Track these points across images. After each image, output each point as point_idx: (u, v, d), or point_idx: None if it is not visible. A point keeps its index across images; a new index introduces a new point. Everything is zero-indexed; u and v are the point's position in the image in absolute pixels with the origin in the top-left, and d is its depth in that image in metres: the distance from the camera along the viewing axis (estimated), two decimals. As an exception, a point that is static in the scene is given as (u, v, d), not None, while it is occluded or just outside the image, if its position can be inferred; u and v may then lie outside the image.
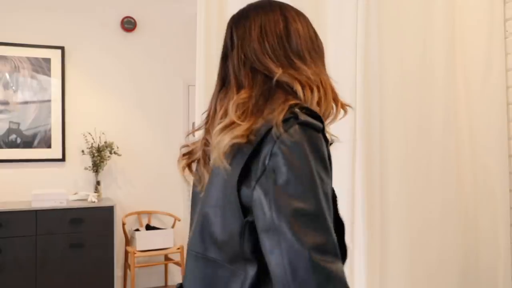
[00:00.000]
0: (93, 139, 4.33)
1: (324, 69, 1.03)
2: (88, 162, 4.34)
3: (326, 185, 0.85)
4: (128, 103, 4.49)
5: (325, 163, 0.86)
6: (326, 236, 0.80)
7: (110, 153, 4.33)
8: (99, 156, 4.28)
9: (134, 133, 4.52)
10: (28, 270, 3.74)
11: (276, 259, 0.80)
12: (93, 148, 4.28)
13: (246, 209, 0.88)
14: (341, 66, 2.00)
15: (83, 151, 4.31)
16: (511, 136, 2.34)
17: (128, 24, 4.51)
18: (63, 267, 3.83)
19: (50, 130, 4.26)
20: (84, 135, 4.32)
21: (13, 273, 3.70)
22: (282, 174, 0.82)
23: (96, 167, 4.29)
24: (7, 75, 4.17)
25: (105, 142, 4.33)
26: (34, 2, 4.25)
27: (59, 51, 4.30)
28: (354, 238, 1.95)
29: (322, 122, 0.89)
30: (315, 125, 0.86)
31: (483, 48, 2.35)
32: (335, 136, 1.03)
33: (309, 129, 0.85)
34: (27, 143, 4.20)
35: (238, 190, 0.88)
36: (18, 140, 4.18)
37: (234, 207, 0.89)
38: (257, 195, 0.85)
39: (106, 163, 4.35)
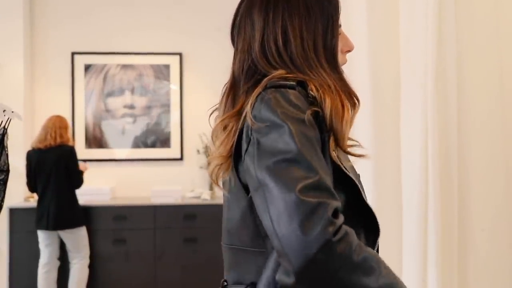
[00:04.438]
0: (207, 139, 4.54)
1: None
2: (204, 161, 4.56)
3: (305, 127, 0.85)
4: (241, 103, 4.62)
5: (299, 108, 0.87)
6: (308, 175, 0.80)
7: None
8: (214, 156, 4.48)
9: (247, 133, 4.63)
10: (148, 260, 4.07)
11: (263, 212, 0.82)
12: (208, 148, 4.49)
13: (247, 187, 0.92)
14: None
15: (198, 150, 4.55)
16: None
17: (241, 27, 4.63)
18: (178, 260, 4.09)
19: (169, 131, 4.58)
20: (200, 135, 4.55)
21: (136, 262, 4.06)
22: (261, 135, 0.86)
23: (211, 166, 4.49)
24: (133, 81, 4.58)
25: (219, 142, 4.51)
26: (154, 12, 4.60)
27: (178, 57, 4.60)
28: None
29: (301, 83, 0.92)
30: (283, 84, 0.90)
31: None
32: (356, 142, 1.02)
33: (277, 89, 0.90)
34: (150, 144, 4.57)
35: (236, 170, 0.94)
36: (142, 141, 4.57)
37: (238, 188, 0.95)
38: (246, 164, 0.89)
39: (220, 162, 4.53)
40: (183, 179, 4.56)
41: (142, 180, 4.53)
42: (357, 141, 1.02)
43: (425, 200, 1.75)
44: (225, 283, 1.03)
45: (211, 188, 4.50)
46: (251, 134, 0.89)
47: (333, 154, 0.91)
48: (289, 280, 0.78)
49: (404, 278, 1.82)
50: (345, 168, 0.94)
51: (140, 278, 4.05)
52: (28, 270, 3.90)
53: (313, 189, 0.79)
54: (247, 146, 0.90)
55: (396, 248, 1.85)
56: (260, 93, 0.91)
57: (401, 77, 1.92)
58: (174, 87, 4.60)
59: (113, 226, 4.06)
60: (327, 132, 0.91)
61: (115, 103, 4.57)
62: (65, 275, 3.84)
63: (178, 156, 4.59)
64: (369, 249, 0.84)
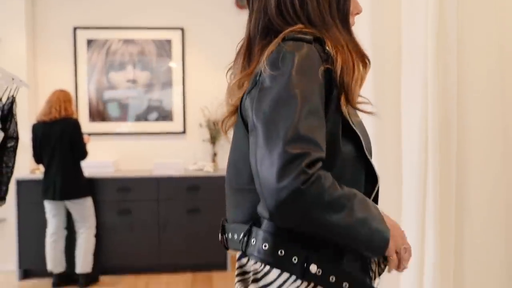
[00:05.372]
0: (209, 113, 4.60)
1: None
2: (206, 134, 4.63)
3: (314, 81, 0.92)
4: (242, 77, 4.67)
5: (313, 62, 0.93)
6: (298, 125, 0.87)
7: (226, 126, 4.57)
8: (215, 129, 4.55)
9: (248, 107, 4.69)
10: (152, 231, 4.17)
11: (252, 153, 0.92)
12: (210, 121, 4.56)
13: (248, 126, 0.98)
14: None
15: (200, 124, 4.62)
16: None
17: (242, 1, 4.66)
18: (181, 230, 4.19)
19: (172, 105, 4.64)
20: (202, 109, 4.61)
21: (140, 232, 4.16)
22: (264, 81, 0.93)
23: (213, 139, 4.57)
24: (135, 56, 4.62)
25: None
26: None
27: (179, 32, 4.63)
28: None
29: (318, 40, 0.97)
30: (301, 38, 0.95)
31: None
32: (366, 100, 1.09)
33: (294, 42, 0.94)
34: (152, 118, 4.64)
35: (241, 112, 1.02)
36: (145, 115, 4.64)
37: (240, 127, 1.03)
38: (246, 104, 0.98)
39: (222, 136, 4.60)
40: (186, 153, 4.64)
41: (145, 153, 4.62)
42: (367, 99, 1.09)
43: (424, 166, 1.81)
44: (225, 222, 1.12)
45: (213, 161, 4.59)
46: (258, 78, 0.96)
47: (343, 109, 0.99)
48: (266, 215, 0.90)
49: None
50: (353, 123, 1.01)
51: (145, 248, 4.17)
52: (36, 239, 4.01)
53: (299, 140, 0.86)
54: (251, 88, 0.97)
55: (396, 211, 1.92)
56: (278, 43, 0.96)
57: (402, 43, 1.95)
58: (174, 65, 4.64)
59: (118, 198, 4.15)
60: (337, 88, 0.97)
61: (117, 77, 4.62)
62: (73, 244, 3.96)
63: (181, 129, 4.66)
64: (346, 189, 0.92)
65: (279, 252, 0.96)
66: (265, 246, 0.97)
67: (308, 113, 0.89)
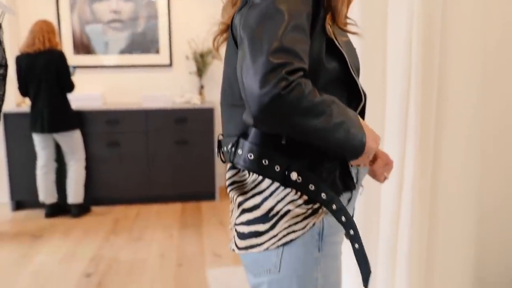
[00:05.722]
0: (196, 45, 4.56)
1: None
2: (193, 67, 4.61)
3: (299, 2, 0.94)
4: (228, 8, 4.59)
5: None
6: (283, 38, 0.90)
7: (213, 58, 4.55)
8: (202, 61, 4.53)
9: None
10: (142, 162, 4.24)
11: (238, 65, 0.94)
12: (197, 54, 4.53)
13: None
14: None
15: (187, 56, 4.58)
16: None
17: None
18: (170, 161, 4.27)
19: (158, 37, 4.58)
20: (188, 41, 4.56)
21: (130, 163, 4.23)
22: (255, 0, 0.95)
23: (200, 71, 4.56)
24: (118, -14, 4.50)
25: (208, 49, 4.54)
26: None
27: (163, -40, 4.49)
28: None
29: None
30: None
31: None
32: (352, 21, 1.10)
33: None
34: (138, 50, 4.58)
35: (232, 30, 1.05)
36: (130, 48, 4.58)
37: (231, 44, 1.05)
38: (236, 21, 1.00)
39: (208, 68, 4.59)
40: (173, 85, 4.64)
41: (131, 86, 4.60)
42: (353, 20, 1.12)
43: (407, 83, 1.86)
44: (221, 136, 1.17)
45: (200, 93, 4.60)
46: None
47: (328, 27, 1.01)
48: (250, 121, 0.94)
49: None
50: (338, 43, 1.04)
51: (135, 179, 4.25)
52: (27, 172, 4.06)
53: (282, 51, 0.89)
54: (242, 7, 1.00)
55: (379, 128, 1.99)
56: None
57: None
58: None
59: (106, 130, 4.18)
60: (324, 9, 1.00)
61: (101, 7, 4.51)
62: (64, 175, 4.02)
63: (167, 62, 4.62)
64: (326, 96, 0.96)
65: (263, 162, 1.02)
66: (250, 156, 1.03)
67: (293, 28, 0.92)
